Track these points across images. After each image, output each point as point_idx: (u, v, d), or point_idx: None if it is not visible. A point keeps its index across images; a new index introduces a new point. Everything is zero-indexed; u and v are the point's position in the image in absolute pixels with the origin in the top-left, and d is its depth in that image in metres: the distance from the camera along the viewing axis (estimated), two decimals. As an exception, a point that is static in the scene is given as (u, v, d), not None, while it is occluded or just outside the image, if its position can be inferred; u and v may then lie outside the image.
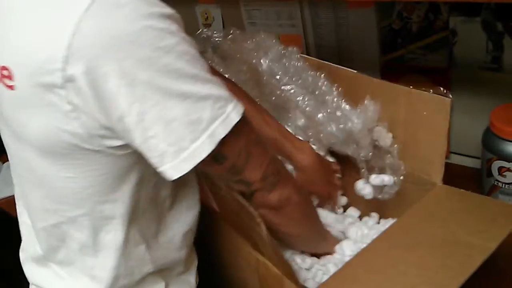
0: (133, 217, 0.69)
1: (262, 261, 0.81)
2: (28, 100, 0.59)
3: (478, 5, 1.05)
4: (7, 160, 1.75)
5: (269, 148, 0.72)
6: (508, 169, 0.98)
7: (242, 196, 0.73)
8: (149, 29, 0.53)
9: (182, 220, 0.77)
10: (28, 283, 0.84)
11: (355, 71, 1.02)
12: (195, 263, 0.85)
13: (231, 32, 1.15)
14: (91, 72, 0.53)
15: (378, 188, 0.95)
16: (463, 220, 0.79)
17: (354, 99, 0.99)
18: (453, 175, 1.19)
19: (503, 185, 1.01)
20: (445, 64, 1.17)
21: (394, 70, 1.27)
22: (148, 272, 0.75)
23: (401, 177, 0.93)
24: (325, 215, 1.01)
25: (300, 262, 0.90)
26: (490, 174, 1.02)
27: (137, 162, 0.64)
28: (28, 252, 0.83)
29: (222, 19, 1.57)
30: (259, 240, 0.77)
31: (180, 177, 0.59)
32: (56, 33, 0.54)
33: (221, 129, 0.58)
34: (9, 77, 0.59)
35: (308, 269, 0.90)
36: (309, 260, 0.90)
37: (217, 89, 0.59)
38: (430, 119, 0.89)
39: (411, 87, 0.91)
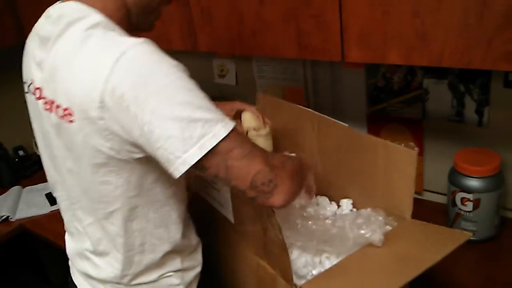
0: (152, 206, 0.90)
1: (262, 264, 0.99)
2: (83, 129, 0.80)
3: (446, 70, 1.29)
4: (28, 185, 1.96)
5: (259, 161, 0.81)
6: (468, 199, 1.21)
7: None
8: (155, 74, 0.75)
9: (180, 211, 0.95)
10: None
11: (346, 125, 1.14)
12: (200, 245, 1.03)
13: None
14: (118, 106, 0.75)
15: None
16: (420, 242, 0.98)
17: (346, 149, 1.13)
18: (425, 207, 1.42)
19: (465, 213, 1.24)
20: (419, 116, 1.40)
21: (378, 120, 1.49)
22: (167, 251, 0.94)
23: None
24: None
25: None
26: (454, 204, 1.25)
27: (152, 167, 0.84)
28: (76, 249, 1.02)
29: (236, 72, 1.79)
30: (270, 242, 0.93)
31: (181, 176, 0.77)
32: (95, 82, 0.75)
33: (209, 143, 0.75)
34: (70, 115, 0.80)
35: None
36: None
37: (209, 113, 0.75)
38: (402, 167, 1.02)
39: (388, 140, 1.04)
